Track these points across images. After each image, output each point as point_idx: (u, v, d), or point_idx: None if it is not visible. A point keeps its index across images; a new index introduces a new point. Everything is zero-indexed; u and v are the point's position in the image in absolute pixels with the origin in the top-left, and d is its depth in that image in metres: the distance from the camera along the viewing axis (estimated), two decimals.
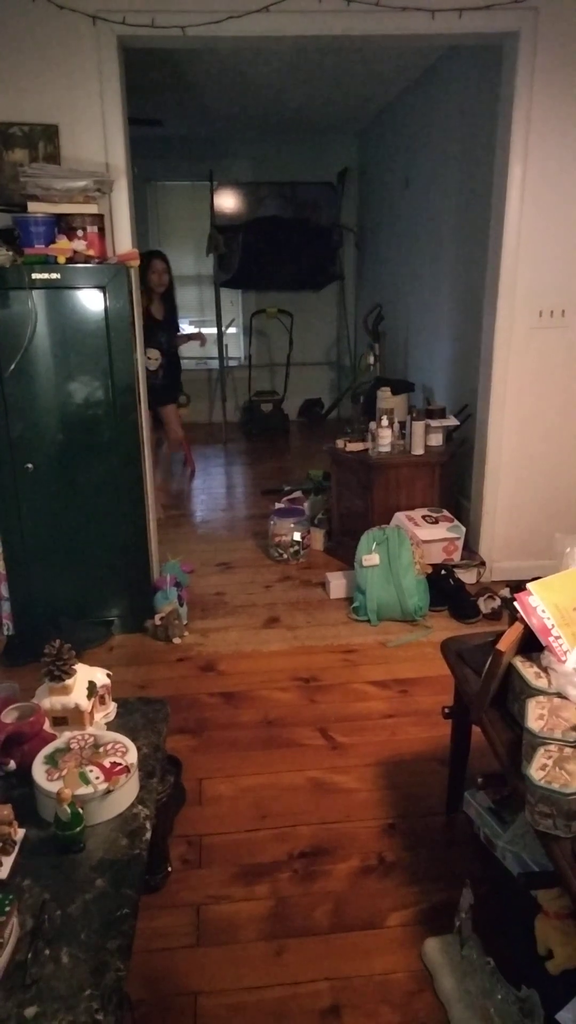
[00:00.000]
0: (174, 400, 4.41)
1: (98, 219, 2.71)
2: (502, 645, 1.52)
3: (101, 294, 2.69)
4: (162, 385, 4.17)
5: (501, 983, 1.47)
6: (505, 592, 3.20)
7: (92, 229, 2.68)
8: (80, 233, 2.66)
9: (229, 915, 1.79)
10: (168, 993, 1.60)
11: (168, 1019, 1.55)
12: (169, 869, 1.90)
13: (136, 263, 2.77)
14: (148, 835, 1.45)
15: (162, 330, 4.13)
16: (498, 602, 3.14)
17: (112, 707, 1.78)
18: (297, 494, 4.13)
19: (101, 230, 2.73)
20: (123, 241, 2.91)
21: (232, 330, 6.85)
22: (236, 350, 7.00)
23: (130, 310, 2.74)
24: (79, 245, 2.65)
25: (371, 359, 5.39)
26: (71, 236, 2.65)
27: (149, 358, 3.88)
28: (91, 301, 2.70)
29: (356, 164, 6.41)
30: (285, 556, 3.76)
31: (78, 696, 1.67)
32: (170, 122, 5.52)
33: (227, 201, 6.47)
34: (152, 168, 6.20)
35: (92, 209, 2.69)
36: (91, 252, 2.67)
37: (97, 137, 2.80)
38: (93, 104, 2.76)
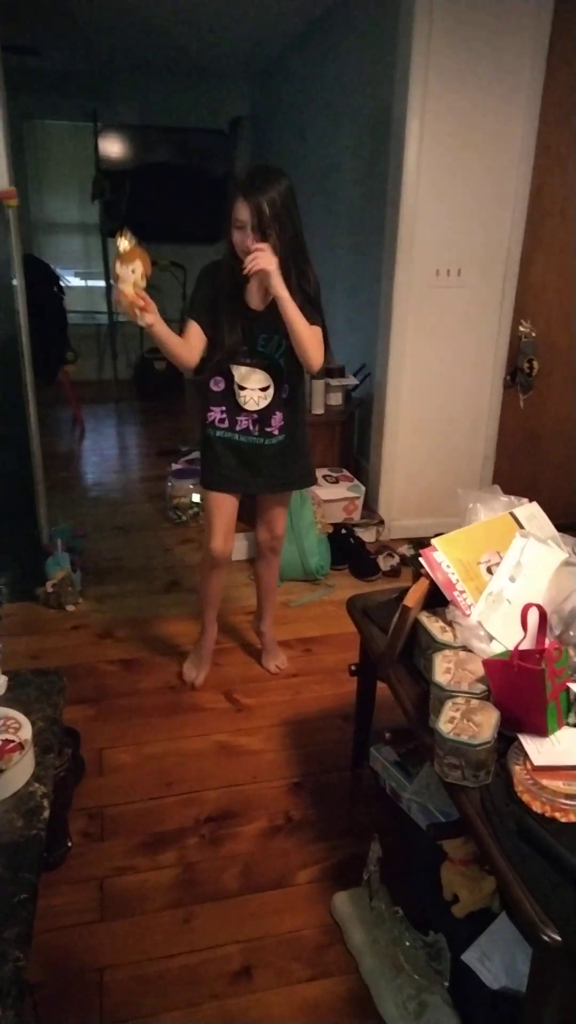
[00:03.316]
0: (293, 484, 2.33)
1: None
2: (409, 601, 1.52)
3: None
4: (278, 446, 2.15)
5: (409, 930, 1.50)
6: (404, 549, 3.25)
7: None
8: None
9: (134, 886, 1.74)
10: (71, 972, 1.54)
11: (72, 999, 1.49)
12: (69, 844, 1.82)
13: (14, 202, 2.55)
14: (46, 814, 1.36)
15: (265, 332, 2.02)
16: (397, 559, 3.19)
17: (2, 680, 1.66)
18: (195, 454, 4.03)
19: None
20: None
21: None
22: None
23: (8, 254, 2.53)
24: None
25: None
26: None
27: (242, 387, 2.05)
28: None
29: (249, 113, 6.20)
30: (184, 518, 3.66)
31: None
32: (49, 54, 5.11)
33: (113, 145, 6.11)
34: (29, 104, 5.75)
35: None
36: None
37: None
38: None
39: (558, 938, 1.01)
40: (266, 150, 5.97)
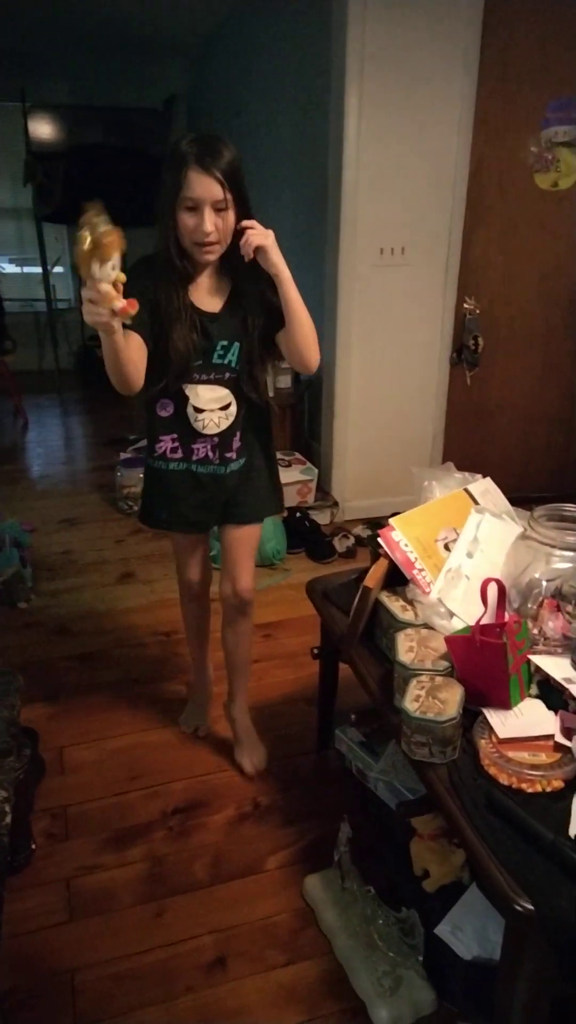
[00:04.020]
0: (257, 512, 1.88)
1: None
2: (369, 581, 1.52)
3: None
4: (239, 473, 1.79)
5: (382, 908, 1.51)
6: (359, 530, 3.26)
7: None
8: None
9: (102, 884, 1.71)
10: (42, 975, 1.51)
11: (44, 1002, 1.46)
12: (33, 846, 1.78)
13: None
14: (8, 819, 1.32)
15: (224, 338, 1.65)
16: (352, 541, 3.19)
17: None
18: (144, 443, 3.95)
19: None
20: None
21: (59, 269, 6.34)
22: (65, 291, 6.51)
23: None
24: None
25: None
26: None
27: (199, 409, 1.69)
28: None
29: (185, 91, 6.07)
30: (135, 508, 3.59)
31: None
32: None
33: (43, 126, 5.91)
34: None
35: None
36: None
37: None
38: None
39: (530, 907, 1.03)
40: (202, 128, 5.85)
